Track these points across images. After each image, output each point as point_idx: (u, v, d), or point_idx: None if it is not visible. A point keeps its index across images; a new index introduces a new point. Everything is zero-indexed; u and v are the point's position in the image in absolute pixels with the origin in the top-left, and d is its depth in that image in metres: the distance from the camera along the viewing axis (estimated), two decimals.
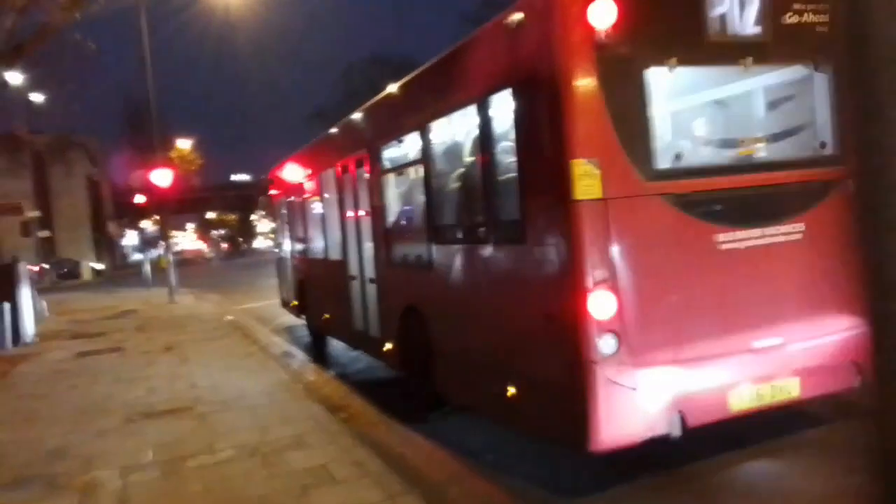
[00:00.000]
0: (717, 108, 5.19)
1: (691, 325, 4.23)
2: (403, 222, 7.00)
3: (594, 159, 3.97)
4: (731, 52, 4.36)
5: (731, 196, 4.35)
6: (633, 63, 4.09)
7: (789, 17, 4.47)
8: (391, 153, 7.05)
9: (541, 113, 4.19)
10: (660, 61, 4.16)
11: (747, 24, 4.35)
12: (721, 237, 4.28)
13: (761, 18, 4.37)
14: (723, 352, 4.30)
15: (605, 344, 4.00)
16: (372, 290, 7.74)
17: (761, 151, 4.60)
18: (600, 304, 3.99)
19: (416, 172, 6.45)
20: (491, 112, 4.86)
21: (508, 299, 4.77)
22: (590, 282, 3.97)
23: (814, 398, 4.67)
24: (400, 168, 6.98)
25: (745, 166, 4.53)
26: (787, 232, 4.46)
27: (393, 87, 6.77)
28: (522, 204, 4.47)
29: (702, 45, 4.29)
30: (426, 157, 5.98)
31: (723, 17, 4.30)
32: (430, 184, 5.98)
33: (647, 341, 4.11)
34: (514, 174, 4.79)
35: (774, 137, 4.67)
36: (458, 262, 5.56)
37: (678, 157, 4.27)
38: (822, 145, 4.63)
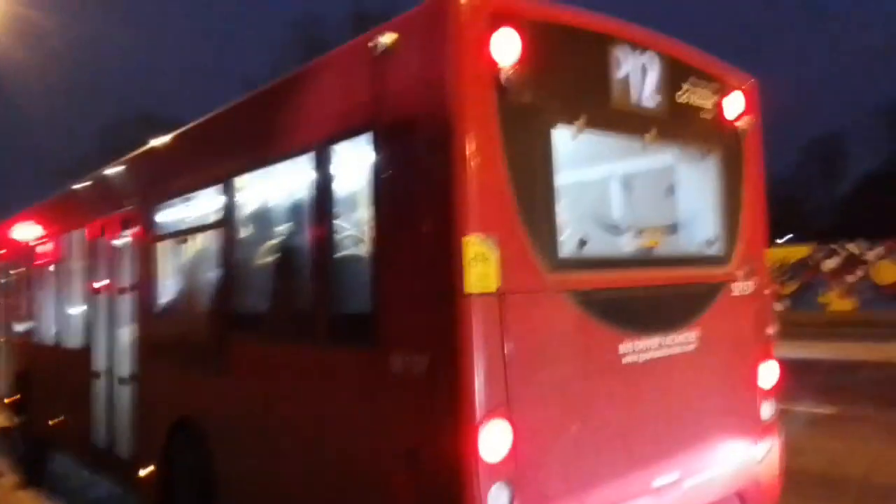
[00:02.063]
0: (619, 190, 4.46)
1: (594, 462, 3.24)
2: (183, 305, 5.26)
3: (492, 237, 2.89)
4: (633, 122, 3.64)
5: (633, 296, 3.53)
6: (539, 117, 3.16)
7: (680, 95, 3.91)
8: (173, 213, 5.37)
9: (417, 168, 3.05)
10: (567, 120, 3.28)
11: (647, 94, 3.67)
12: (623, 347, 3.40)
13: (658, 92, 3.73)
14: (624, 496, 3.35)
15: (497, 499, 2.83)
16: (125, 392, 5.78)
17: (662, 244, 3.88)
18: (493, 441, 2.83)
19: (210, 240, 4.86)
20: (334, 164, 3.60)
21: (346, 425, 3.41)
22: (480, 409, 2.80)
23: None
24: (185, 233, 5.31)
25: (648, 260, 3.78)
26: (682, 342, 3.72)
27: (183, 129, 5.22)
28: (377, 292, 3.22)
29: (607, 108, 3.51)
30: (227, 220, 4.47)
31: (625, 83, 3.57)
32: (230, 256, 4.46)
33: (545, 491, 3.02)
34: (364, 251, 3.55)
35: (672, 229, 4.00)
36: (267, 365, 4.06)
37: (582, 243, 3.36)
38: (712, 242, 4.05)
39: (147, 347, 5.40)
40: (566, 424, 3.13)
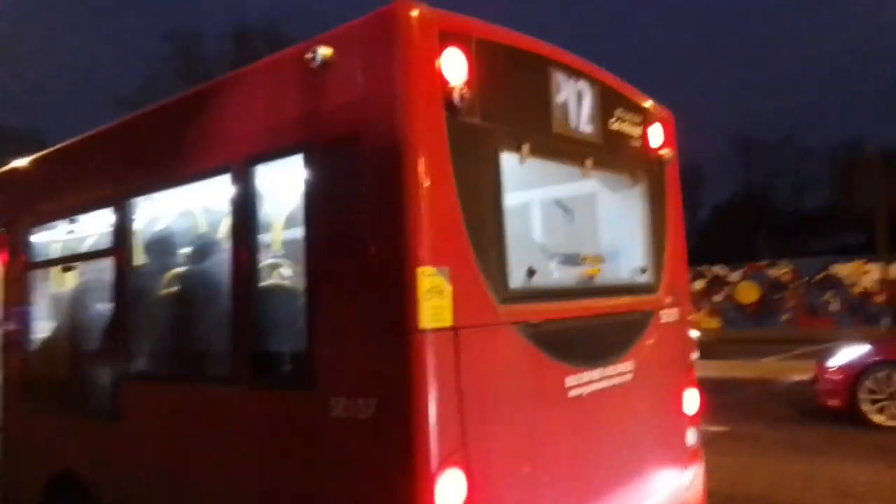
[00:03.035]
0: (560, 217, 4.34)
1: (544, 502, 3.07)
2: (66, 341, 4.62)
3: (445, 268, 2.68)
4: (573, 148, 3.57)
5: (576, 326, 3.43)
6: (487, 140, 2.99)
7: (613, 123, 3.89)
8: (52, 237, 4.74)
9: (360, 191, 2.78)
10: (513, 146, 3.14)
11: (584, 120, 3.62)
12: (569, 380, 3.28)
13: (594, 119, 3.69)
14: None
15: None
16: None
17: (601, 273, 3.81)
18: (449, 491, 2.59)
19: (103, 268, 4.29)
20: (256, 185, 3.25)
21: (274, 480, 3.04)
22: (436, 457, 2.56)
23: None
24: (67, 259, 4.70)
25: (589, 290, 3.68)
26: (621, 372, 3.67)
27: (67, 143, 4.63)
28: (313, 328, 2.90)
29: (549, 135, 3.40)
30: (126, 245, 3.95)
31: (565, 108, 3.49)
32: (129, 286, 3.93)
33: None
34: (294, 281, 3.22)
35: (609, 258, 3.94)
36: (174, 408, 3.60)
37: (531, 273, 3.20)
38: (643, 270, 4.04)
39: (17, 389, 4.70)
40: (518, 465, 2.95)
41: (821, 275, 22.55)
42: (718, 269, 24.45)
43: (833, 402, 8.46)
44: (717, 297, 24.08)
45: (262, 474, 3.09)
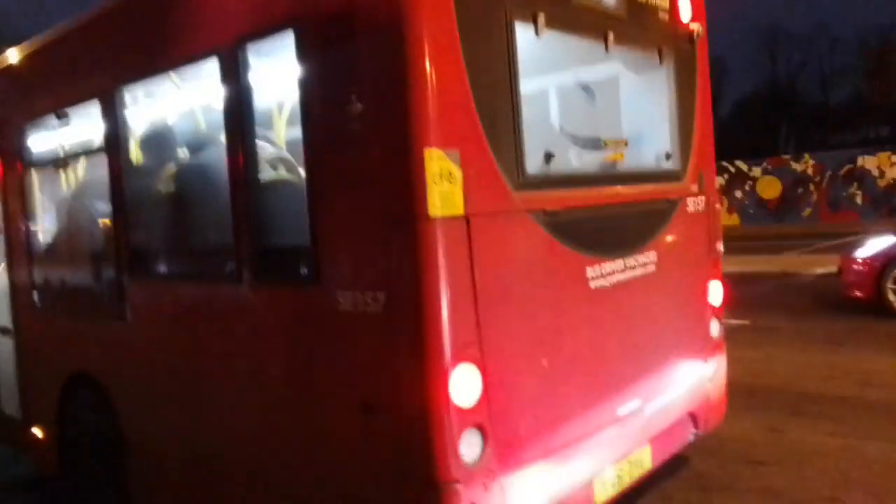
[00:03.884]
0: (580, 99, 4.04)
1: (563, 397, 2.98)
2: (70, 242, 4.50)
3: (454, 151, 2.46)
4: (595, 21, 3.24)
5: (597, 216, 3.23)
6: (498, 8, 2.69)
7: None
8: (43, 136, 4.53)
9: (359, 70, 2.52)
10: (527, 15, 2.83)
11: None
12: (590, 271, 3.11)
13: None
14: (592, 429, 3.14)
15: (469, 446, 2.52)
16: (5, 345, 5.02)
17: (624, 159, 3.56)
18: (464, 385, 2.49)
19: (98, 165, 4.10)
20: (246, 68, 2.99)
21: (283, 377, 2.96)
22: (450, 351, 2.44)
23: (661, 465, 3.77)
24: (61, 159, 4.51)
25: (612, 176, 3.45)
26: (644, 263, 3.49)
27: (46, 36, 4.34)
28: (317, 220, 2.73)
29: (567, 5, 3.08)
30: (118, 139, 3.73)
31: None
32: (127, 182, 3.74)
33: (518, 432, 2.74)
34: (295, 172, 3.03)
35: (632, 142, 3.68)
36: (180, 307, 3.50)
37: (548, 158, 2.97)
38: (668, 156, 3.78)
39: (28, 292, 4.64)
40: (536, 359, 2.84)
41: (845, 168, 21.92)
42: (740, 164, 23.82)
43: (858, 294, 8.31)
44: (738, 193, 23.60)
45: (271, 372, 3.01)
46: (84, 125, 4.20)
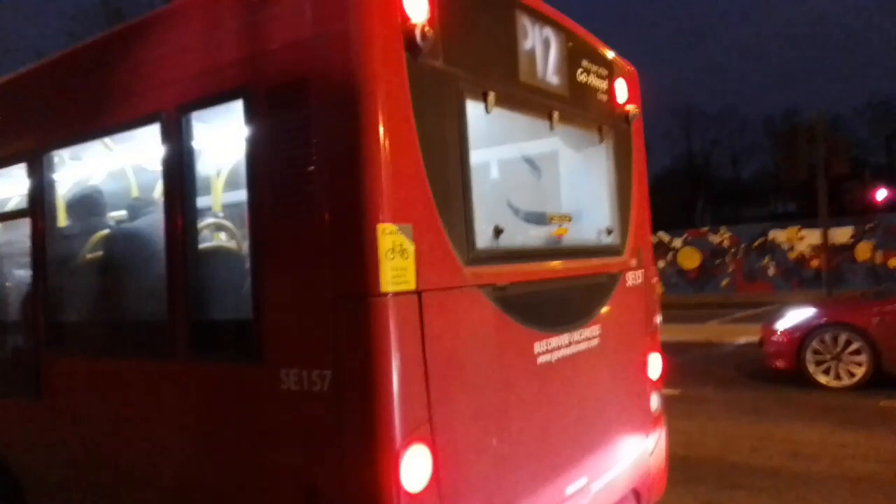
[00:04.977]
0: (526, 174, 4.09)
1: (513, 476, 2.89)
2: None
3: (407, 226, 2.42)
4: (540, 100, 3.32)
5: (543, 290, 3.23)
6: (451, 86, 2.72)
7: (580, 74, 3.67)
8: None
9: (309, 141, 2.47)
10: (478, 93, 2.88)
11: (551, 70, 3.39)
12: (538, 346, 3.09)
13: (561, 69, 3.46)
14: None
15: None
16: None
17: (567, 234, 3.60)
18: (414, 468, 2.37)
19: (15, 231, 3.87)
20: (193, 135, 2.91)
21: (217, 460, 2.77)
22: (401, 432, 2.33)
23: None
24: None
25: (556, 251, 3.47)
26: (588, 337, 3.50)
27: None
28: (259, 294, 2.61)
29: (516, 84, 3.15)
30: (39, 204, 3.53)
31: (532, 56, 3.25)
32: (43, 248, 3.53)
33: None
34: (235, 243, 2.91)
35: (575, 217, 3.74)
36: (102, 386, 3.26)
37: (497, 233, 2.97)
38: (609, 231, 3.86)
39: None
40: (486, 438, 2.75)
41: (758, 241, 23.11)
42: (662, 235, 24.80)
43: (780, 364, 8.60)
44: (661, 263, 24.46)
45: (207, 456, 2.81)
46: (6, 187, 3.97)
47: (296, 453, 2.50)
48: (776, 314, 9.33)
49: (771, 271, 22.64)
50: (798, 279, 22.07)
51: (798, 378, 8.40)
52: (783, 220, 26.87)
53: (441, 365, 2.51)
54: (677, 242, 24.62)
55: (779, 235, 22.81)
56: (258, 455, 2.63)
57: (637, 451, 3.92)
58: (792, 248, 22.51)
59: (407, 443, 2.34)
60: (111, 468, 3.21)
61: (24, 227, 3.73)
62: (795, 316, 8.77)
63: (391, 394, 2.31)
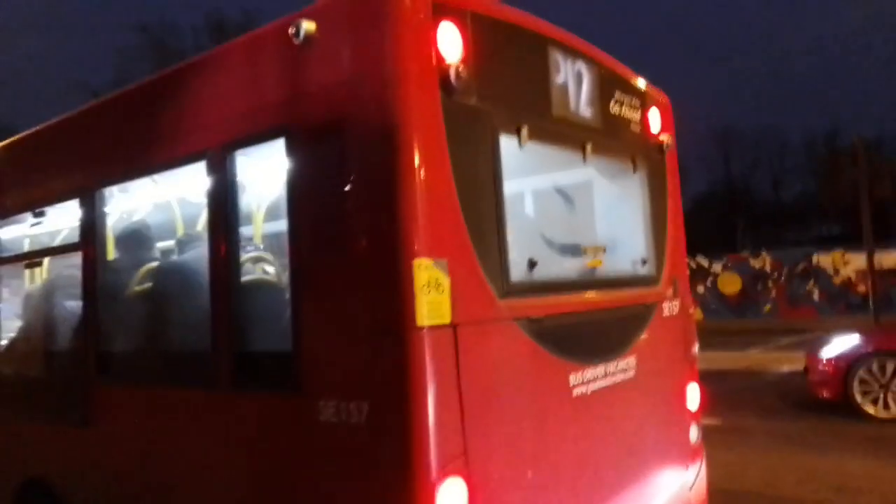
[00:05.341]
0: (560, 206, 4.13)
1: None
2: (31, 341, 4.35)
3: (443, 260, 2.47)
4: (573, 133, 3.37)
5: (578, 322, 3.24)
6: (485, 123, 2.78)
7: (612, 106, 3.70)
8: (18, 229, 4.46)
9: (348, 178, 2.56)
10: (511, 129, 2.93)
11: (584, 103, 3.43)
12: (573, 378, 3.10)
13: (593, 101, 3.50)
14: None
15: None
16: None
17: (604, 265, 3.62)
18: (450, 501, 2.40)
19: (70, 263, 4.03)
20: (237, 172, 3.02)
21: (258, 489, 2.82)
22: (437, 464, 2.36)
23: None
24: (31, 254, 4.43)
25: (590, 282, 3.49)
26: (624, 368, 3.49)
27: (31, 132, 4.34)
28: (299, 327, 2.68)
29: (549, 118, 3.20)
30: (93, 239, 3.68)
31: (564, 90, 3.30)
32: (94, 280, 3.68)
33: None
34: (277, 276, 3.00)
35: (610, 248, 3.75)
36: (150, 414, 3.36)
37: (532, 265, 3.01)
38: (644, 262, 3.86)
39: None
40: (521, 471, 2.76)
41: (801, 265, 22.63)
42: (701, 260, 24.44)
43: (825, 393, 8.38)
44: (700, 288, 24.08)
45: (245, 484, 2.87)
46: (56, 224, 4.15)
47: (333, 483, 2.55)
48: (821, 341, 9.11)
49: (815, 296, 22.11)
50: (844, 304, 21.51)
51: (845, 408, 8.17)
52: (827, 244, 26.24)
53: (477, 398, 2.54)
54: (717, 267, 24.23)
55: (823, 259, 22.31)
56: (297, 484, 2.68)
57: (676, 485, 3.87)
58: (837, 273, 21.98)
59: (443, 475, 2.36)
60: (154, 496, 3.29)
61: (74, 260, 3.89)
62: (841, 343, 8.56)
63: (427, 426, 2.35)
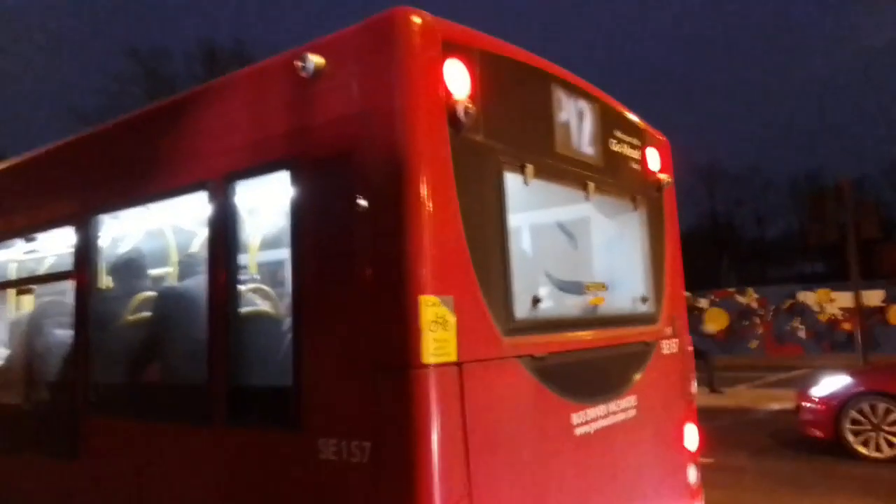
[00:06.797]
0: (562, 244, 4.12)
1: None
2: (19, 372, 4.22)
3: (449, 298, 2.44)
4: (576, 170, 3.38)
5: (580, 360, 3.21)
6: (492, 159, 2.78)
7: (613, 144, 3.73)
8: (9, 255, 4.38)
9: (354, 212, 2.53)
10: (517, 166, 2.93)
11: (585, 141, 3.45)
12: (575, 417, 3.05)
13: (595, 139, 3.53)
14: None
15: None
16: None
17: (605, 302, 3.60)
18: None
19: (56, 290, 3.96)
20: (239, 203, 2.99)
21: None
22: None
23: None
24: (20, 281, 4.34)
25: (591, 320, 3.47)
26: (625, 407, 3.46)
27: (24, 157, 4.30)
28: (300, 362, 2.63)
29: (552, 155, 3.21)
30: (83, 266, 3.63)
31: (567, 128, 3.32)
32: (88, 310, 3.61)
33: None
34: (277, 309, 2.95)
35: (611, 286, 3.74)
36: (142, 448, 3.27)
37: (535, 303, 2.98)
38: (644, 300, 3.85)
39: None
40: None
41: (787, 302, 22.75)
42: (688, 296, 24.49)
43: (817, 433, 8.34)
44: None
45: None
46: (48, 250, 4.08)
47: None
48: (811, 380, 9.10)
49: (802, 334, 22.19)
50: (829, 342, 21.58)
51: (836, 448, 8.12)
52: (811, 281, 26.42)
53: (481, 437, 2.49)
54: (704, 303, 24.30)
55: (808, 297, 22.44)
56: None
57: None
58: (822, 311, 22.09)
59: None
60: None
61: (64, 288, 3.82)
62: (832, 383, 8.54)
63: (431, 466, 2.30)
